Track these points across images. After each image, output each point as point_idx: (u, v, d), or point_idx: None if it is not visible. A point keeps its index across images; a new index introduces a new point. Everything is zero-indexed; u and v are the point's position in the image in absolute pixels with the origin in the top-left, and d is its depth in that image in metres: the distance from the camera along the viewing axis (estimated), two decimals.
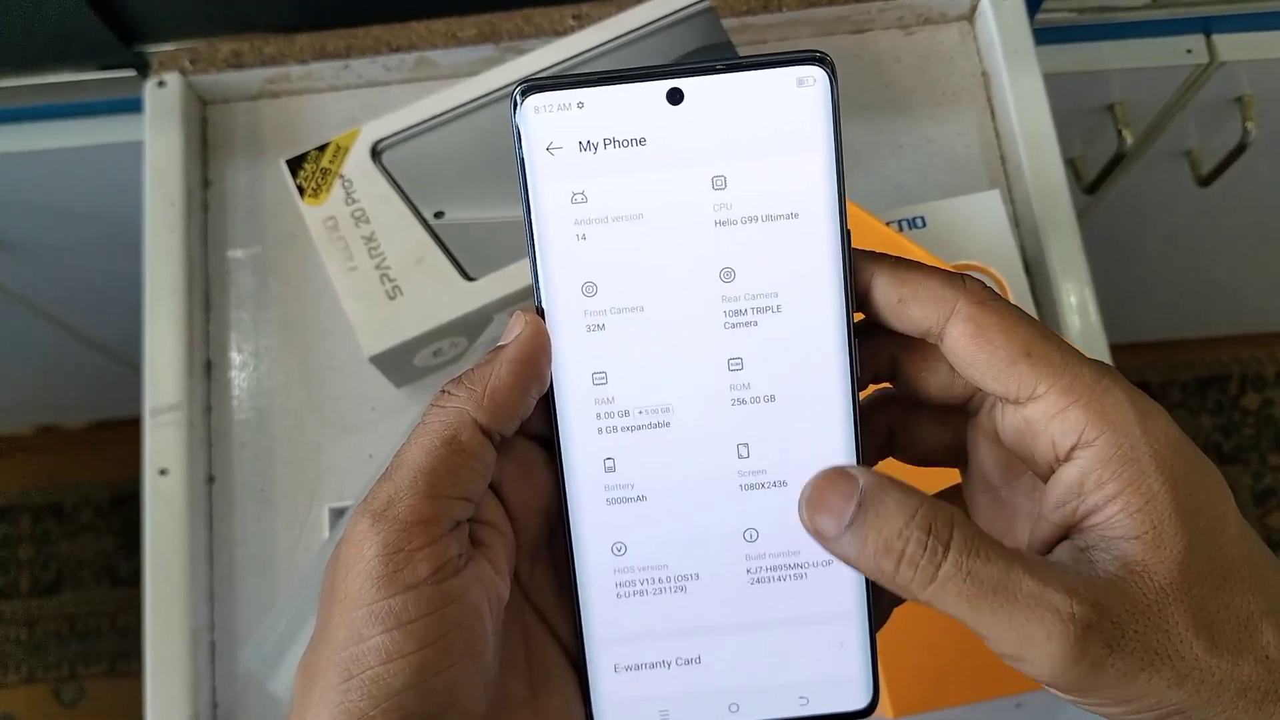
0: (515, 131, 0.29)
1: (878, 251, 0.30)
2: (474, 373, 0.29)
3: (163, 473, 0.64)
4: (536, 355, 0.29)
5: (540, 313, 0.30)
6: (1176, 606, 0.26)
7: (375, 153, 0.64)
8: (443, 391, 0.29)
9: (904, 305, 0.29)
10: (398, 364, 0.63)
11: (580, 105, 0.29)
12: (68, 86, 0.74)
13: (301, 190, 0.63)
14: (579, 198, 0.29)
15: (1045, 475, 0.29)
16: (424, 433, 0.28)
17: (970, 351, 0.28)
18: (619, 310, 0.29)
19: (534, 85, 0.29)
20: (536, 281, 0.30)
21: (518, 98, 0.29)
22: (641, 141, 0.29)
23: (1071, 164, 0.96)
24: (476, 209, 0.63)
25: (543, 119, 0.29)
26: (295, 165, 0.64)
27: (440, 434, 0.28)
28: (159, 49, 0.72)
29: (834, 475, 0.28)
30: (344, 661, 0.26)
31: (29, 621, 1.47)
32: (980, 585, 0.26)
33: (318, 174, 0.63)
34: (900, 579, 0.26)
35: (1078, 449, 0.27)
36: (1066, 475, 0.27)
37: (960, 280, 0.29)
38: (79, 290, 1.04)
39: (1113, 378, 0.28)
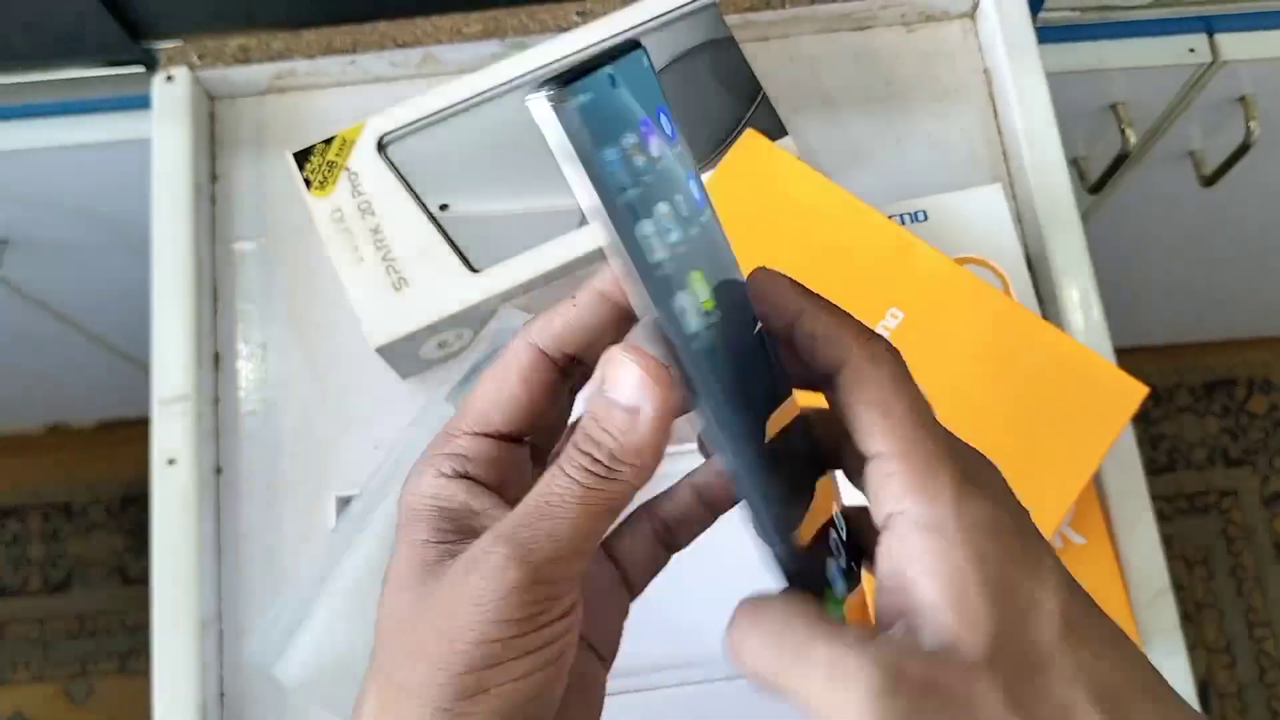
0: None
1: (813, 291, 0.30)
2: (637, 448, 0.28)
3: (171, 463, 0.64)
4: (670, 416, 0.28)
5: (663, 336, 0.27)
6: (988, 684, 0.26)
7: (381, 146, 0.65)
8: (608, 465, 0.28)
9: (820, 343, 0.29)
10: (404, 355, 0.64)
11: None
12: (76, 83, 0.75)
13: (308, 183, 0.64)
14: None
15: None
16: (595, 512, 0.28)
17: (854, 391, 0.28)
18: None
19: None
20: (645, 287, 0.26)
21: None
22: None
23: (1075, 164, 0.96)
24: (481, 201, 0.64)
25: None
26: (301, 158, 0.64)
27: (606, 518, 0.28)
28: (167, 45, 0.72)
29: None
30: (461, 680, 0.27)
31: (39, 620, 1.48)
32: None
33: (324, 166, 0.64)
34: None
35: (893, 516, 0.28)
36: (887, 545, 0.28)
37: (881, 342, 0.29)
38: (88, 288, 1.05)
39: (950, 459, 0.28)
